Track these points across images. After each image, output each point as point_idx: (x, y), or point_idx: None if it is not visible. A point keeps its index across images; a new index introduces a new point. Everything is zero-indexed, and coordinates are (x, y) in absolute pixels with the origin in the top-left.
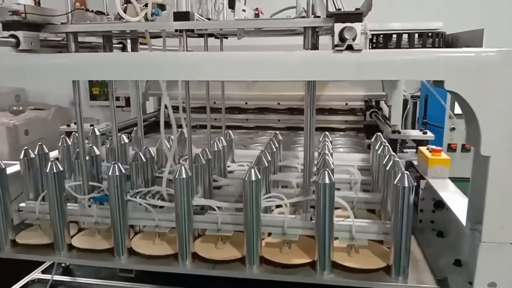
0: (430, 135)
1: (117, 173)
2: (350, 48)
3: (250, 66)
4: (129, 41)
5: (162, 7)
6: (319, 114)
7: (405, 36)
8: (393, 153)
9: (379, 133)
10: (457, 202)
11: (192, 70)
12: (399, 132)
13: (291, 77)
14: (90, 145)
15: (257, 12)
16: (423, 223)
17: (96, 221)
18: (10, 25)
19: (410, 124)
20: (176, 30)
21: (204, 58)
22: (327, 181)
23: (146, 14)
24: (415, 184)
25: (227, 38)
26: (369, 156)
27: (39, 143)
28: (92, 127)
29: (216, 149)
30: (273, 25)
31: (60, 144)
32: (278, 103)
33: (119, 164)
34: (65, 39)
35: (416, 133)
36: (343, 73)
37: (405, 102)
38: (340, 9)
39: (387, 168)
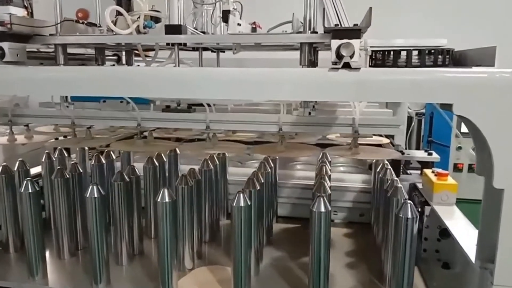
0: (435, 156)
1: (96, 195)
2: (347, 66)
3: (232, 84)
4: (123, 53)
5: (156, 19)
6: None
7: (405, 53)
8: (396, 178)
9: None
10: (465, 233)
11: (175, 87)
12: (403, 153)
13: (280, 97)
14: (73, 161)
15: (254, 26)
16: (427, 253)
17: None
18: None
19: (414, 143)
20: (167, 44)
21: (181, 74)
22: (322, 209)
23: (138, 26)
24: (419, 209)
25: (224, 52)
26: (370, 177)
27: (20, 159)
28: None
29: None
30: (269, 40)
31: (43, 160)
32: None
33: (98, 186)
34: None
35: (420, 154)
36: (339, 94)
37: (410, 119)
38: (338, 25)
39: (389, 195)
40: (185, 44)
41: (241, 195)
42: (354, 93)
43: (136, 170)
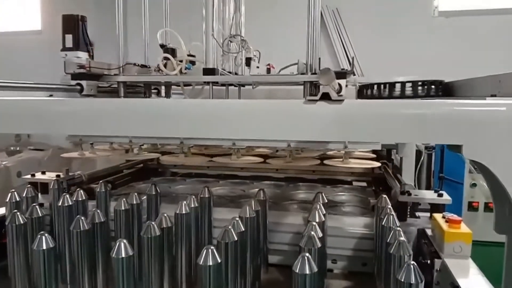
0: (446, 198)
1: (44, 247)
2: (326, 97)
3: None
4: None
5: (192, 62)
6: (322, 165)
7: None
8: (398, 228)
9: (384, 196)
10: None
11: None
12: (409, 194)
13: (232, 136)
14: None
15: (269, 67)
16: None
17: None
18: (77, 76)
19: (424, 179)
20: (204, 82)
21: None
22: (306, 271)
23: (180, 68)
24: (428, 261)
25: (244, 86)
26: (372, 220)
27: None
28: (57, 177)
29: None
30: (280, 80)
31: (7, 200)
32: (277, 151)
33: (48, 236)
34: (116, 86)
35: (430, 195)
36: (314, 131)
37: (419, 153)
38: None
39: (391, 251)
40: (217, 82)
41: (209, 251)
42: (334, 130)
43: (100, 214)
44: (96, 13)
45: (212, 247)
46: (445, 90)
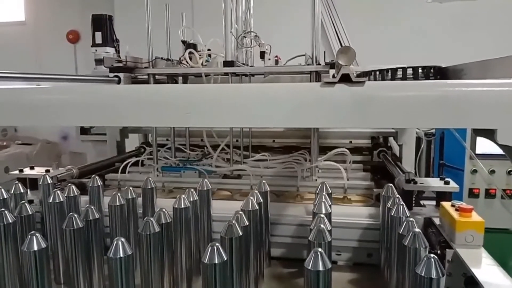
0: (453, 185)
1: (35, 248)
2: (347, 79)
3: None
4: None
5: (210, 56)
6: (320, 154)
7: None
8: (411, 219)
9: (391, 185)
10: (498, 284)
11: None
12: (415, 182)
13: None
14: (23, 201)
15: (276, 58)
16: None
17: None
18: (115, 69)
19: (424, 166)
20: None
21: None
22: (320, 267)
23: (202, 61)
24: (438, 252)
25: (253, 76)
26: (377, 210)
27: None
28: (46, 172)
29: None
30: (289, 70)
31: None
32: (273, 141)
33: (39, 236)
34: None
35: (436, 183)
36: (334, 116)
37: (418, 140)
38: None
39: (405, 243)
40: (233, 73)
41: (215, 248)
42: (356, 115)
43: (94, 211)
44: (81, 4)
45: (217, 244)
46: (452, 74)
